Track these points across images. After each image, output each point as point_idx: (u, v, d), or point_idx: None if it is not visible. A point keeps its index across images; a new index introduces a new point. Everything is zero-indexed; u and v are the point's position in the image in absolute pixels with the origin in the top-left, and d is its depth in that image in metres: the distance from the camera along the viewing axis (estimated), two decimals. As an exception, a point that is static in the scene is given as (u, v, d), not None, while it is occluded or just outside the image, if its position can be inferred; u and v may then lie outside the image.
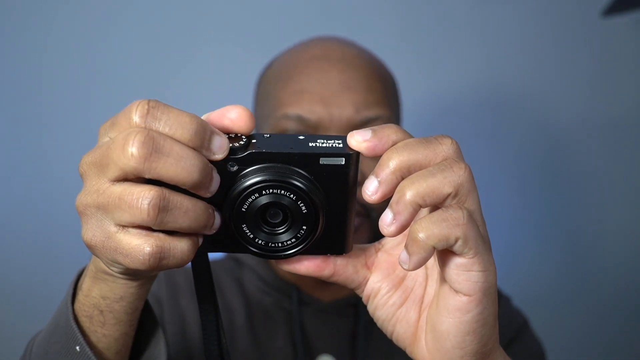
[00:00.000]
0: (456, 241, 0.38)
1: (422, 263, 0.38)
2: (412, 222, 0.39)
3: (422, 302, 0.45)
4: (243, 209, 0.41)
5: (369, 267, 0.46)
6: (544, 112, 1.24)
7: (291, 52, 0.82)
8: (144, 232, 0.37)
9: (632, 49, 1.22)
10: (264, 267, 0.80)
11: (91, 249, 0.40)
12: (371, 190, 0.39)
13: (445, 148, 0.39)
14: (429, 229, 0.37)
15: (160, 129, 0.37)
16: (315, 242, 0.43)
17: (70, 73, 1.12)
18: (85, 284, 0.46)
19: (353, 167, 0.41)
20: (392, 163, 0.39)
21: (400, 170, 0.39)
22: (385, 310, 0.46)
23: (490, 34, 1.21)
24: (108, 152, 0.37)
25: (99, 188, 0.38)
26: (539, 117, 1.24)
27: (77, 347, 0.46)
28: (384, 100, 0.77)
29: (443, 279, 0.41)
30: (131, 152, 0.35)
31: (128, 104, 0.38)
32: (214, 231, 0.40)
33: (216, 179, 0.39)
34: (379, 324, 0.47)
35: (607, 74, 1.23)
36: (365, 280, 0.46)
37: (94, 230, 0.39)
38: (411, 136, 0.41)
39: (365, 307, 0.78)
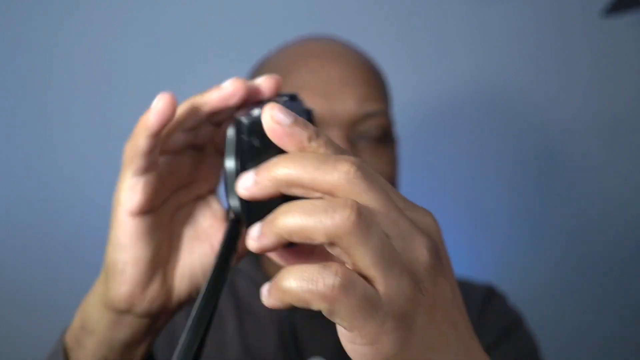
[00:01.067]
0: (320, 309, 0.31)
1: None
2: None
3: None
4: None
5: None
6: (543, 112, 1.23)
7: (286, 50, 0.81)
8: None
9: (632, 49, 1.22)
10: (256, 269, 0.81)
11: None
12: (243, 185, 0.34)
13: (337, 176, 0.32)
14: (290, 283, 0.31)
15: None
16: None
17: (74, 72, 1.13)
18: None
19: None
20: (275, 169, 0.33)
21: (279, 182, 0.33)
22: None
23: (488, 33, 1.20)
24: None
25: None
26: (538, 117, 1.24)
27: None
28: (382, 96, 0.78)
29: None
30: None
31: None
32: None
33: None
34: None
35: (606, 74, 1.22)
36: None
37: None
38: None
39: None
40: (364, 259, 0.31)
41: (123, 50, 1.14)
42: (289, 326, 0.76)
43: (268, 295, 0.33)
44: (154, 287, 0.44)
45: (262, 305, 0.78)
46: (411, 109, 1.17)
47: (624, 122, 1.23)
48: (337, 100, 0.73)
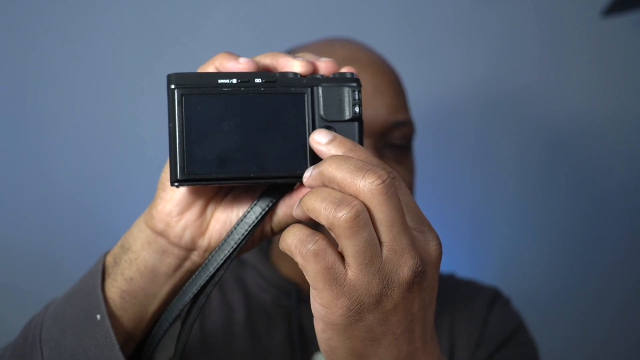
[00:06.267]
0: (298, 263, 0.41)
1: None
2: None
3: None
4: None
5: None
6: (543, 113, 1.24)
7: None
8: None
9: (632, 49, 1.23)
10: (265, 264, 0.81)
11: None
12: (306, 175, 0.44)
13: (362, 184, 0.40)
14: (288, 236, 0.42)
15: None
16: None
17: (71, 71, 1.12)
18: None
19: None
20: (324, 166, 0.42)
21: (324, 176, 0.42)
22: None
23: (489, 33, 1.21)
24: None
25: None
26: (538, 117, 1.24)
27: (98, 316, 0.50)
28: (407, 105, 0.79)
29: None
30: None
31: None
32: None
33: None
34: None
35: (607, 74, 1.23)
36: None
37: None
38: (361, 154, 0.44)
39: None
40: (346, 250, 0.40)
41: (121, 50, 1.13)
42: (297, 320, 0.76)
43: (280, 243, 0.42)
44: (191, 215, 0.50)
45: (272, 299, 0.79)
46: (412, 109, 1.18)
47: (624, 122, 1.24)
48: (369, 109, 0.72)
